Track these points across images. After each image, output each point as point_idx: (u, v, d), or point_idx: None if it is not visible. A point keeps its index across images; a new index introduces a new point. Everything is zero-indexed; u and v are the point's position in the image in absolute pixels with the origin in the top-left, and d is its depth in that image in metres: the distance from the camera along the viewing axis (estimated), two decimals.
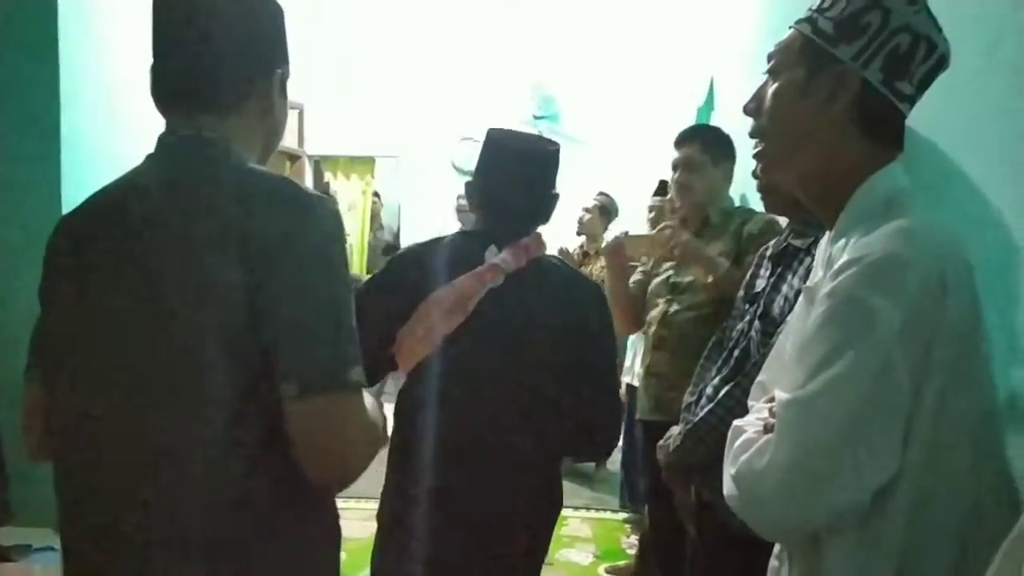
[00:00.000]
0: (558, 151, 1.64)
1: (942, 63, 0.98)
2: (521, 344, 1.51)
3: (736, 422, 1.06)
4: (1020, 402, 1.11)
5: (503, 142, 1.63)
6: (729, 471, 0.99)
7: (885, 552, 0.88)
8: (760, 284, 1.69)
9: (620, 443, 4.13)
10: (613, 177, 5.87)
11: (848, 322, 0.88)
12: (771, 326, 1.53)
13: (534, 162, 1.61)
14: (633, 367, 3.98)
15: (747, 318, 1.66)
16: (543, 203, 1.63)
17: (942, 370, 0.86)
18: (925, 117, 1.45)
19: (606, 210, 4.51)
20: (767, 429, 0.95)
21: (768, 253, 1.71)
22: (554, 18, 6.56)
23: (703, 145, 2.31)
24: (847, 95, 0.97)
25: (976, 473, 0.88)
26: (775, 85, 1.03)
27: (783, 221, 1.84)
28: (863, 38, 0.95)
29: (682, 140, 2.36)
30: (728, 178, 2.37)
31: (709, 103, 4.32)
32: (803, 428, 0.89)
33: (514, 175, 1.59)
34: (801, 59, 1.00)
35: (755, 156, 1.07)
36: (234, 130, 1.05)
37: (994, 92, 1.25)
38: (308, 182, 6.97)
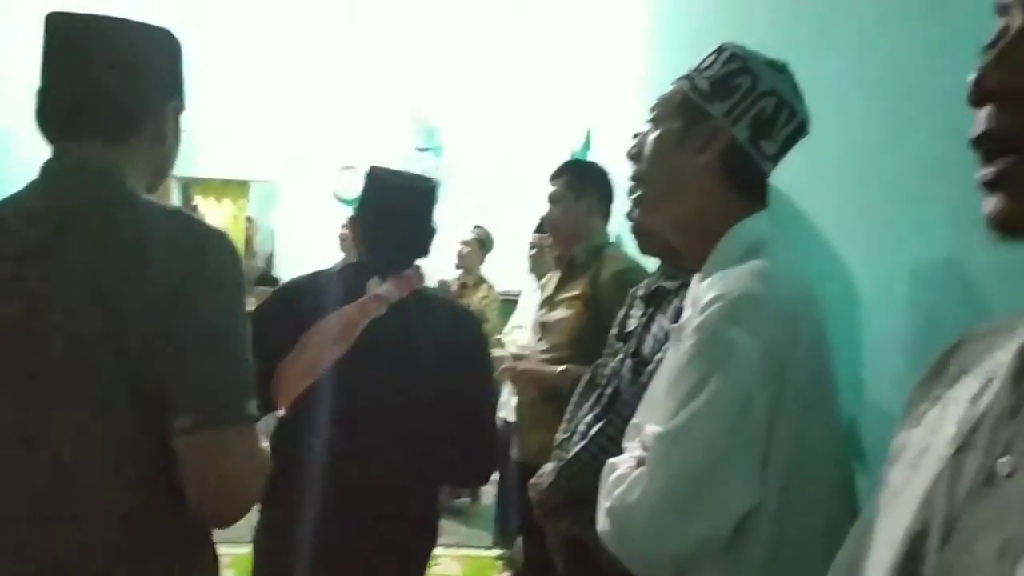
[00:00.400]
0: (436, 188, 1.76)
1: (802, 129, 1.07)
2: (402, 373, 1.57)
3: (611, 460, 1.08)
4: (862, 432, 1.18)
5: (384, 179, 1.74)
6: (603, 505, 1.00)
7: None
8: (632, 323, 1.73)
9: (495, 477, 4.14)
10: (495, 211, 5.93)
11: (711, 355, 0.92)
12: (641, 365, 1.57)
13: (413, 198, 1.72)
14: (509, 402, 4.00)
15: (619, 356, 1.70)
16: (422, 237, 1.72)
17: (796, 402, 0.91)
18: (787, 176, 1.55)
19: (483, 243, 4.57)
20: (640, 463, 0.97)
21: (640, 293, 1.76)
22: (440, 52, 6.60)
23: (567, 180, 2.33)
24: (716, 148, 1.04)
25: (831, 500, 0.92)
26: (656, 133, 1.11)
27: (651, 264, 1.89)
28: (734, 97, 1.04)
29: (552, 176, 2.39)
30: (595, 212, 2.33)
31: (586, 147, 4.46)
32: (671, 460, 0.91)
33: (395, 211, 1.69)
34: (679, 112, 1.08)
35: (633, 200, 1.12)
36: (124, 159, 1.03)
37: (845, 150, 1.35)
38: (174, 203, 6.65)
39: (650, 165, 1.11)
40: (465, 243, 4.50)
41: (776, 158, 1.08)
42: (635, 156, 1.16)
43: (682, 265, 1.61)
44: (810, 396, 0.93)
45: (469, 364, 1.64)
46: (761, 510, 0.90)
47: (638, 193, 1.14)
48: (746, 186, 1.07)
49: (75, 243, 0.94)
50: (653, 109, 1.14)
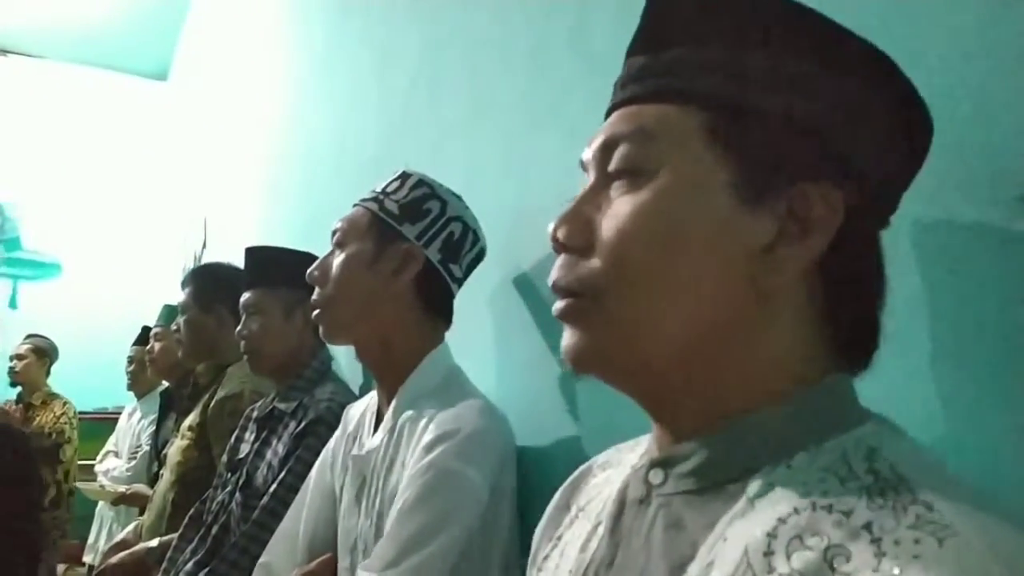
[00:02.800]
0: None
1: (482, 254, 1.14)
2: None
3: None
4: None
5: None
6: None
7: None
8: (244, 449, 1.56)
9: None
10: (94, 314, 5.22)
11: (446, 496, 0.90)
12: (253, 498, 1.40)
13: None
14: (97, 543, 3.39)
15: (228, 488, 1.51)
16: None
17: (504, 539, 0.94)
18: None
19: (41, 352, 3.88)
20: None
21: (254, 415, 1.61)
22: (28, 141, 5.79)
23: (192, 289, 2.03)
24: (413, 270, 1.06)
25: None
26: (343, 256, 1.08)
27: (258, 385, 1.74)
28: (425, 220, 1.07)
29: (182, 283, 2.08)
30: (227, 325, 1.96)
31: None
32: None
33: None
34: (369, 233, 1.08)
35: (316, 319, 1.10)
36: None
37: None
38: None
39: (340, 286, 1.08)
40: (18, 357, 3.78)
41: (461, 281, 1.12)
42: (318, 279, 1.10)
43: (298, 385, 1.52)
44: (512, 529, 0.96)
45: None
46: None
47: (321, 314, 1.09)
48: (439, 308, 1.10)
49: None
50: (336, 230, 1.11)
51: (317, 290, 1.11)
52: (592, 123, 0.54)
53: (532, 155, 1.19)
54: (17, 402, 3.74)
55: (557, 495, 0.64)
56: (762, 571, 0.40)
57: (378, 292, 1.06)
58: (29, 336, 3.95)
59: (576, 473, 0.65)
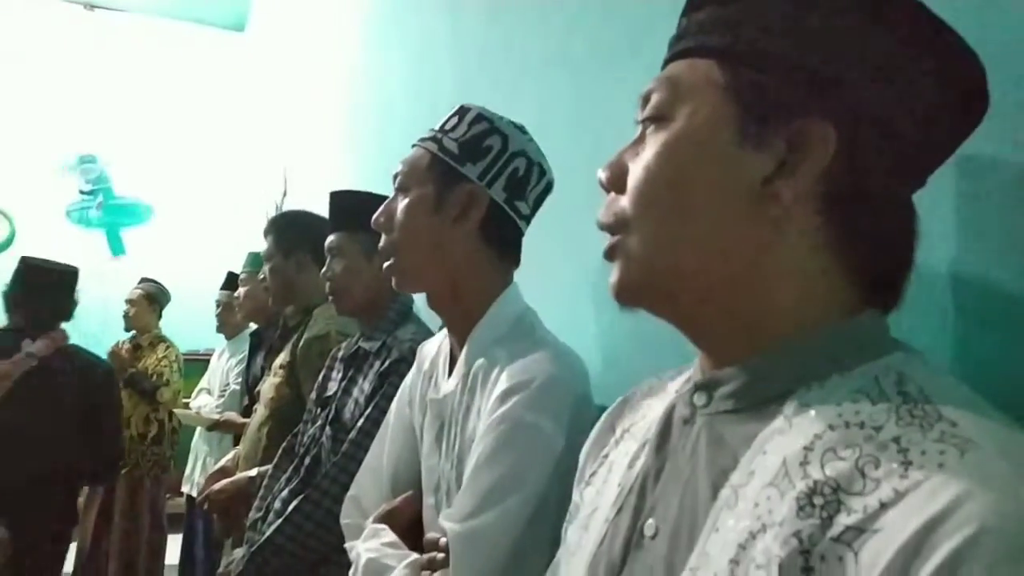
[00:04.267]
0: (76, 272, 2.71)
1: (549, 188, 1.09)
2: (47, 411, 2.46)
3: (366, 553, 1.00)
4: None
5: (33, 266, 2.63)
6: None
7: None
8: (332, 387, 1.65)
9: (177, 560, 3.70)
10: (183, 263, 5.47)
11: (522, 448, 0.89)
12: (343, 432, 1.48)
13: (57, 279, 2.66)
14: (193, 475, 3.63)
15: (319, 423, 1.60)
16: (64, 307, 2.65)
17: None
18: None
19: (152, 298, 4.08)
20: (432, 566, 0.92)
21: (340, 355, 1.69)
22: (117, 92, 6.02)
23: (274, 236, 2.13)
24: (479, 213, 1.02)
25: None
26: (406, 200, 1.05)
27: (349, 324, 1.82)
28: (487, 158, 1.02)
29: (264, 231, 2.16)
30: (307, 268, 2.09)
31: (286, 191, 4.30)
32: (479, 561, 0.87)
33: (42, 289, 2.60)
34: (430, 176, 1.04)
35: (386, 270, 1.07)
36: None
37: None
38: None
39: (405, 233, 1.05)
40: (130, 302, 4.00)
41: (529, 218, 1.08)
42: (383, 226, 1.08)
43: (381, 326, 1.59)
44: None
45: (98, 396, 2.63)
46: None
47: (390, 263, 1.07)
48: (507, 249, 1.06)
49: None
50: (398, 174, 1.08)
51: (384, 237, 1.09)
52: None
53: (607, 98, 1.19)
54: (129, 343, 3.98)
55: (602, 418, 0.69)
56: (798, 477, 0.44)
57: (444, 238, 1.03)
58: (142, 281, 4.16)
59: (620, 399, 0.69)
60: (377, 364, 1.51)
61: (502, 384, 0.93)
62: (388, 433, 1.20)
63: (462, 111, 1.07)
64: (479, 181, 1.02)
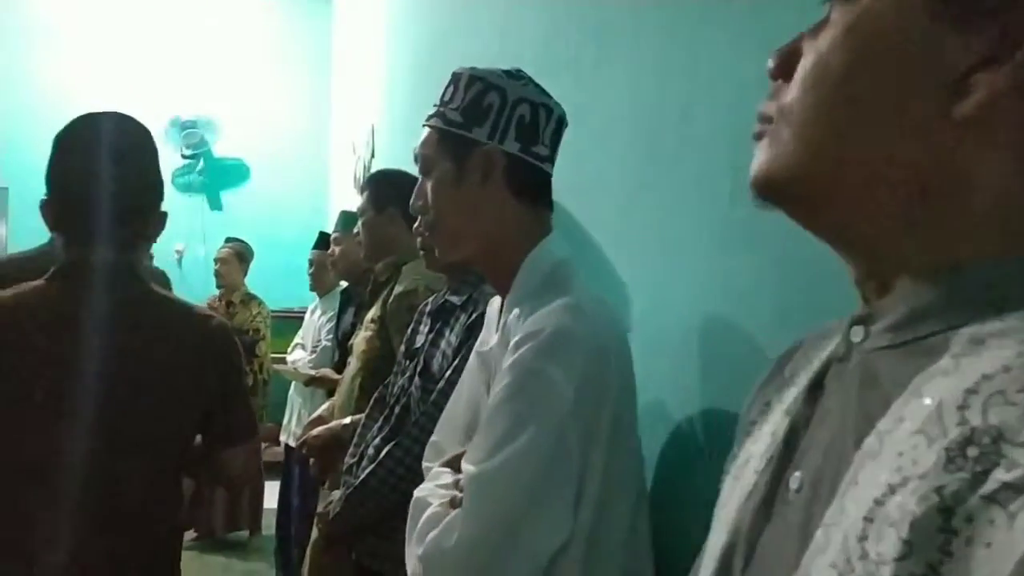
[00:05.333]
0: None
1: (562, 121, 1.11)
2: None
3: (418, 492, 1.05)
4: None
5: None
6: (415, 552, 0.97)
7: None
8: (420, 340, 1.70)
9: (275, 506, 3.91)
10: (278, 220, 5.66)
11: (528, 394, 0.92)
12: (430, 382, 1.53)
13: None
14: (290, 425, 3.81)
15: (407, 374, 1.66)
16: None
17: (607, 430, 0.93)
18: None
19: (240, 256, 4.27)
20: (454, 504, 0.96)
21: (427, 309, 1.73)
22: (202, 51, 6.22)
23: (369, 192, 2.22)
24: (499, 170, 1.05)
25: (634, 523, 0.96)
26: (431, 181, 1.10)
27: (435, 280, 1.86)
28: (491, 116, 1.05)
29: (360, 189, 2.29)
30: (398, 223, 2.14)
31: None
32: (487, 503, 0.91)
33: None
34: (444, 151, 1.09)
35: (424, 246, 1.15)
36: (132, 258, 1.37)
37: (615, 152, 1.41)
38: None
39: (439, 210, 1.11)
40: (220, 260, 4.19)
41: (551, 157, 1.10)
42: (421, 208, 1.14)
43: (468, 279, 1.62)
44: (618, 422, 0.96)
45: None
46: (573, 538, 0.92)
47: (429, 242, 1.15)
48: (537, 196, 1.09)
49: (124, 326, 1.33)
50: (417, 159, 1.14)
51: (420, 219, 1.14)
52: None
53: (698, 48, 1.17)
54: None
55: (773, 364, 0.62)
56: (952, 424, 0.38)
57: (474, 204, 1.07)
58: (229, 240, 4.36)
59: (792, 344, 0.63)
60: (463, 317, 1.54)
61: (519, 334, 0.97)
62: (465, 383, 1.25)
63: (455, 78, 1.10)
64: (490, 141, 1.05)
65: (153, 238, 1.44)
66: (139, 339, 1.33)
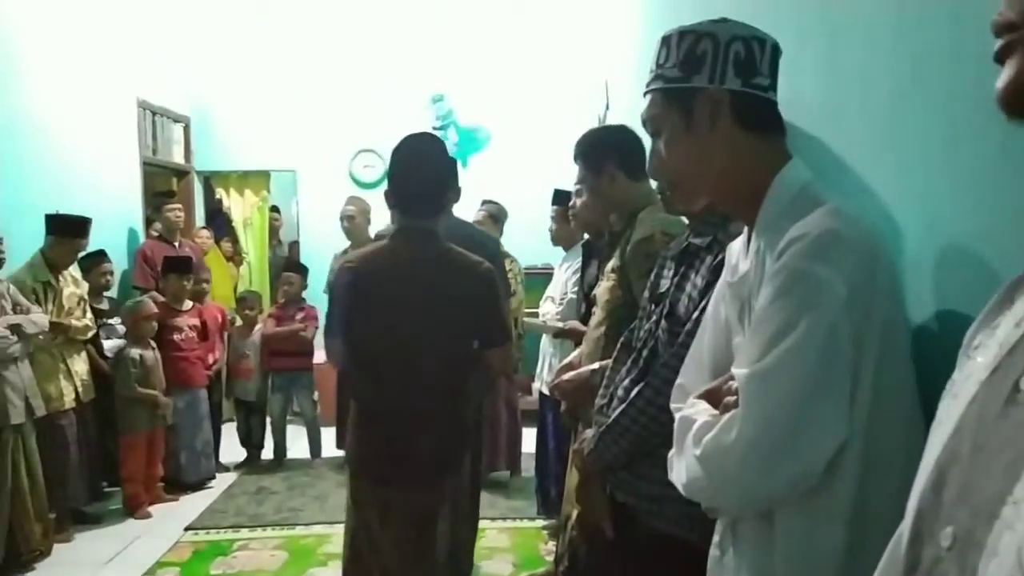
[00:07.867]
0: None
1: (777, 49, 1.11)
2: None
3: (682, 413, 1.09)
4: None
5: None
6: (692, 453, 1.00)
7: (836, 519, 0.92)
8: (664, 284, 1.70)
9: (532, 450, 4.17)
10: (516, 183, 5.90)
11: (798, 293, 0.92)
12: (677, 325, 1.54)
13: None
14: (542, 373, 4.01)
15: (653, 318, 1.68)
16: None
17: (877, 336, 0.91)
18: (810, 115, 1.51)
19: (495, 217, 4.51)
20: (727, 408, 0.98)
21: (670, 254, 1.73)
22: (453, 29, 6.57)
23: (582, 158, 2.24)
24: (725, 109, 1.07)
25: (910, 431, 0.91)
26: (663, 140, 1.14)
27: (674, 223, 1.85)
28: (707, 62, 1.08)
29: (574, 156, 2.29)
30: (618, 177, 2.17)
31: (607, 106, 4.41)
32: (764, 400, 0.91)
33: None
34: (670, 108, 1.12)
35: (666, 201, 1.21)
36: (435, 223, 2.25)
37: (879, 82, 1.30)
38: (198, 198, 6.68)
39: (675, 165, 1.14)
40: (478, 222, 4.45)
41: (773, 85, 1.11)
42: (657, 171, 1.19)
43: (711, 220, 1.59)
44: (888, 334, 0.93)
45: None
46: (849, 445, 0.91)
47: (671, 200, 1.21)
48: (768, 125, 1.10)
49: (437, 270, 2.23)
50: (645, 124, 1.17)
51: (662, 180, 1.18)
52: None
53: None
54: None
55: (1001, 290, 0.61)
56: None
57: (707, 150, 1.09)
58: (484, 202, 4.64)
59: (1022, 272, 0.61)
60: (709, 259, 1.53)
61: (782, 244, 0.95)
62: (708, 325, 1.26)
63: (665, 40, 1.13)
64: (711, 84, 1.08)
65: (449, 208, 2.40)
66: (441, 276, 2.19)
